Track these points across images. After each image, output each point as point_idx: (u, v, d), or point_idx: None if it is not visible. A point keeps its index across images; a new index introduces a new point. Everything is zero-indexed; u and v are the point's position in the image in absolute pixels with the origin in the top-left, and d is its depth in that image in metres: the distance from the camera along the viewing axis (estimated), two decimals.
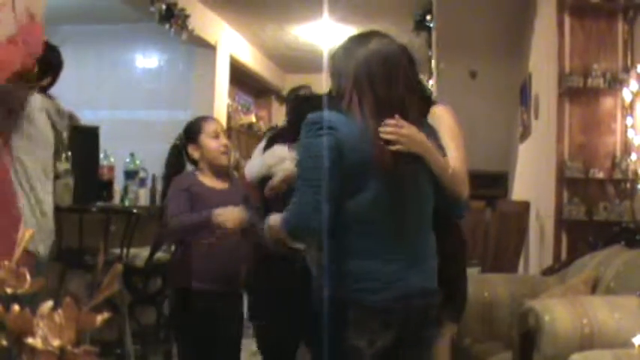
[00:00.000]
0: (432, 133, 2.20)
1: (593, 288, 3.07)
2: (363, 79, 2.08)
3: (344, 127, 2.04)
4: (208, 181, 3.22)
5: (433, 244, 2.17)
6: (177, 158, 3.44)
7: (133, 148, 5.63)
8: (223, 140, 3.26)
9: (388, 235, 2.06)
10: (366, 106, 2.06)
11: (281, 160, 2.96)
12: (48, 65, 3.43)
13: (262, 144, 3.29)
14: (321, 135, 2.02)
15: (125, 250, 4.28)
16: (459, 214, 2.43)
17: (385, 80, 2.08)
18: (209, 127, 3.30)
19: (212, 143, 3.23)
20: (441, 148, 2.19)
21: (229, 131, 8.25)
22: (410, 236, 2.09)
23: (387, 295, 2.03)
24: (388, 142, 2.02)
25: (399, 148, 2.03)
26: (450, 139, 2.33)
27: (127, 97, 7.87)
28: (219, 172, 3.29)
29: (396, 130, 2.04)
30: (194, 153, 3.28)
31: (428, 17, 7.08)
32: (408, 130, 2.05)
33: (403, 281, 2.05)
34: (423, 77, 3.44)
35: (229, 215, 2.96)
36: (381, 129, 2.03)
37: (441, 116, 2.44)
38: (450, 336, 2.44)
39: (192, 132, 3.38)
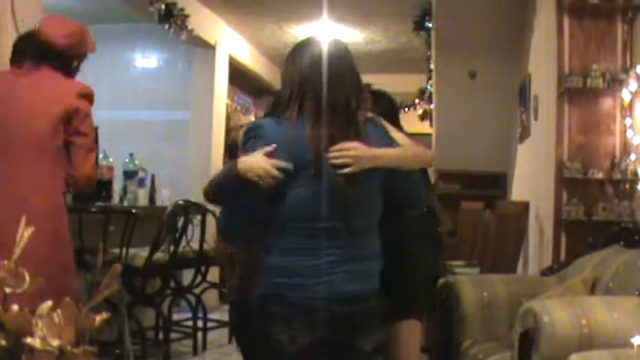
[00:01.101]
0: (377, 128, 2.25)
1: (592, 288, 3.07)
2: (304, 86, 2.15)
3: (273, 132, 2.11)
4: None
5: (374, 247, 2.16)
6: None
7: (132, 148, 5.62)
8: None
9: (315, 234, 2.07)
10: (305, 111, 2.11)
11: None
12: None
13: None
14: (249, 140, 2.14)
15: (124, 250, 4.28)
16: (419, 206, 2.45)
17: (326, 85, 2.12)
18: None
19: None
20: (388, 138, 2.26)
21: (228, 132, 8.25)
22: (341, 237, 2.09)
23: (309, 293, 2.05)
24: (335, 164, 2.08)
25: (351, 170, 2.08)
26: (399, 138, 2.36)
27: (126, 97, 7.87)
28: None
29: (342, 154, 2.08)
30: None
31: (427, 17, 7.08)
32: (355, 150, 2.09)
33: (327, 281, 2.06)
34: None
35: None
36: (329, 155, 2.08)
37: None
38: (416, 335, 2.42)
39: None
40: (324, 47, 2.19)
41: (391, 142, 2.25)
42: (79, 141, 3.03)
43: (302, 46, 2.27)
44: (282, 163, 2.05)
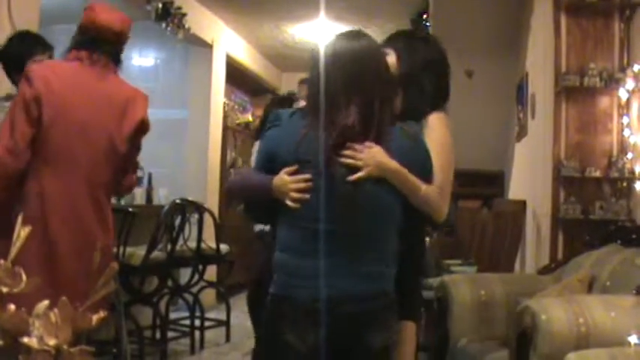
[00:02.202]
0: (405, 139, 2.13)
1: (590, 287, 3.07)
2: (319, 83, 2.08)
3: (290, 126, 2.11)
4: None
5: (385, 253, 2.13)
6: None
7: None
8: None
9: (317, 235, 2.05)
10: (320, 110, 2.07)
11: (253, 154, 3.12)
12: None
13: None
14: (268, 129, 2.15)
15: (121, 249, 4.27)
16: (441, 222, 2.39)
17: (343, 84, 2.06)
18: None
19: None
20: (415, 163, 2.13)
21: (225, 130, 8.24)
22: (343, 240, 2.06)
23: (312, 293, 2.04)
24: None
25: (359, 177, 2.03)
26: (434, 154, 2.21)
27: None
28: None
29: (353, 155, 2.03)
30: None
31: (424, 16, 7.08)
32: (368, 155, 2.04)
33: (327, 283, 2.04)
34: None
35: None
36: (343, 154, 2.04)
37: (431, 126, 2.32)
38: (411, 336, 2.41)
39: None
40: (349, 44, 2.12)
41: (418, 160, 2.15)
42: (136, 157, 2.97)
43: (330, 41, 2.16)
44: (305, 176, 2.05)
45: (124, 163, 2.90)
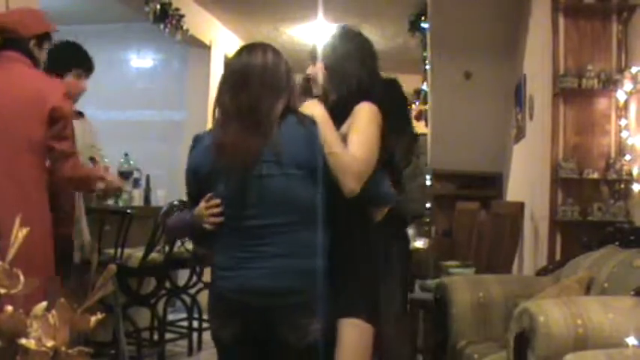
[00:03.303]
0: (295, 135, 2.24)
1: (588, 288, 3.07)
2: (219, 95, 2.33)
3: (203, 141, 2.36)
4: None
5: (306, 244, 2.22)
6: None
7: (127, 149, 5.61)
8: None
9: (234, 231, 2.24)
10: (219, 117, 2.32)
11: None
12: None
13: None
14: (191, 150, 2.41)
15: (119, 251, 4.27)
16: (381, 202, 2.44)
17: (230, 91, 2.28)
18: None
19: None
20: (306, 147, 2.24)
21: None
22: (257, 234, 2.21)
23: (227, 285, 2.24)
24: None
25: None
26: (353, 132, 2.35)
27: (121, 97, 7.84)
28: None
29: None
30: None
31: (423, 18, 7.09)
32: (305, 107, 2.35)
33: (242, 275, 2.20)
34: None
35: None
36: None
37: (356, 112, 2.42)
38: (353, 337, 2.34)
39: None
40: (241, 57, 2.35)
41: (308, 144, 2.24)
42: (60, 146, 2.99)
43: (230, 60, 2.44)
44: (216, 202, 2.28)
45: (44, 150, 2.97)
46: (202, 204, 2.29)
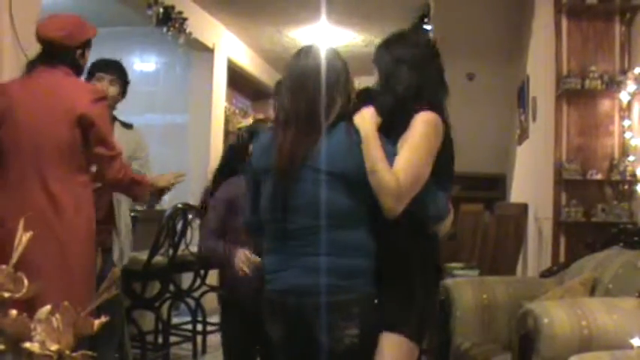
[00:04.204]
0: (340, 143, 2.23)
1: (592, 290, 3.06)
2: (280, 97, 2.38)
3: (262, 136, 2.42)
4: None
5: (335, 244, 2.19)
6: (230, 161, 3.41)
7: None
8: None
9: (276, 233, 2.28)
10: (279, 117, 2.36)
11: None
12: (126, 86, 3.84)
13: None
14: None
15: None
16: (431, 217, 2.33)
17: (289, 95, 2.30)
18: None
19: None
20: (348, 158, 2.22)
21: (227, 135, 8.24)
22: (295, 235, 2.23)
23: (269, 286, 2.30)
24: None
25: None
26: (406, 145, 2.23)
27: (125, 101, 7.81)
28: None
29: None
30: None
31: (425, 20, 7.08)
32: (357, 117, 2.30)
33: (279, 277, 2.26)
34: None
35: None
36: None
37: (411, 126, 2.28)
38: (399, 353, 2.23)
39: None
40: (302, 59, 2.34)
41: (349, 155, 2.22)
42: (99, 151, 2.97)
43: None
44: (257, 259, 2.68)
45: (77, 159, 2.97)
46: (241, 255, 2.89)
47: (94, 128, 2.94)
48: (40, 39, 3.00)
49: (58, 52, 2.98)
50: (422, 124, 2.27)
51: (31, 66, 3.01)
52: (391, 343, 2.23)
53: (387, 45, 2.48)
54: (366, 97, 2.40)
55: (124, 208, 3.62)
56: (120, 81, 3.76)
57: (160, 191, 3.59)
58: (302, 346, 2.27)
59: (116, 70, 3.77)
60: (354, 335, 2.18)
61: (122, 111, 3.99)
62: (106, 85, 3.66)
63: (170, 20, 6.28)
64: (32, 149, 2.87)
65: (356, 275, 2.20)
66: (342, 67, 2.32)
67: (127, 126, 3.97)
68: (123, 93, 3.83)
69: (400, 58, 2.40)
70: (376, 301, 2.25)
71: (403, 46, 2.45)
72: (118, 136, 3.40)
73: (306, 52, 2.34)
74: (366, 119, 2.26)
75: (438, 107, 2.34)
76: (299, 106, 2.25)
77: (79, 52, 3.07)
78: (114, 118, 3.78)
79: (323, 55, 2.30)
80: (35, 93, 2.93)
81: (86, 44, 3.12)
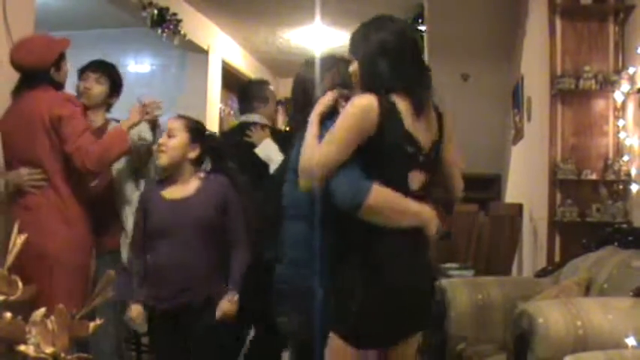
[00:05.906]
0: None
1: (587, 289, 3.07)
2: (291, 109, 2.65)
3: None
4: (167, 189, 3.12)
5: (291, 237, 2.37)
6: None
7: None
8: (161, 139, 3.21)
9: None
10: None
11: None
12: (118, 86, 3.85)
13: None
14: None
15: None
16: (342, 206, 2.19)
17: (296, 108, 2.52)
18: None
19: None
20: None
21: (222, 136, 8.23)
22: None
23: None
24: None
25: None
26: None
27: (119, 102, 7.80)
28: (174, 176, 3.14)
29: None
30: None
31: (420, 20, 7.09)
32: None
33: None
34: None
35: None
36: None
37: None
38: (327, 350, 2.19)
39: None
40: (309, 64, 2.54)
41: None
42: (68, 149, 3.13)
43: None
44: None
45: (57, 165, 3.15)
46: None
47: (60, 129, 3.10)
48: (14, 66, 3.19)
49: (34, 75, 3.16)
50: (349, 105, 2.22)
51: (16, 92, 3.21)
52: (331, 345, 2.20)
53: (366, 29, 2.45)
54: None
55: (130, 210, 3.61)
56: (107, 79, 3.70)
57: (152, 126, 3.75)
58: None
59: (101, 68, 3.73)
60: (285, 322, 2.39)
61: (116, 113, 3.95)
62: (91, 83, 3.63)
63: (164, 22, 6.28)
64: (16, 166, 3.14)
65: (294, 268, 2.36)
66: (327, 74, 2.50)
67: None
68: (115, 93, 3.79)
69: (380, 45, 2.34)
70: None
71: (381, 34, 2.39)
72: None
73: (307, 63, 2.57)
74: (319, 104, 2.33)
75: (412, 92, 2.33)
76: (305, 117, 2.36)
77: (52, 69, 3.21)
78: (107, 120, 3.77)
79: (313, 65, 2.50)
80: (17, 116, 3.15)
81: (59, 59, 3.26)
